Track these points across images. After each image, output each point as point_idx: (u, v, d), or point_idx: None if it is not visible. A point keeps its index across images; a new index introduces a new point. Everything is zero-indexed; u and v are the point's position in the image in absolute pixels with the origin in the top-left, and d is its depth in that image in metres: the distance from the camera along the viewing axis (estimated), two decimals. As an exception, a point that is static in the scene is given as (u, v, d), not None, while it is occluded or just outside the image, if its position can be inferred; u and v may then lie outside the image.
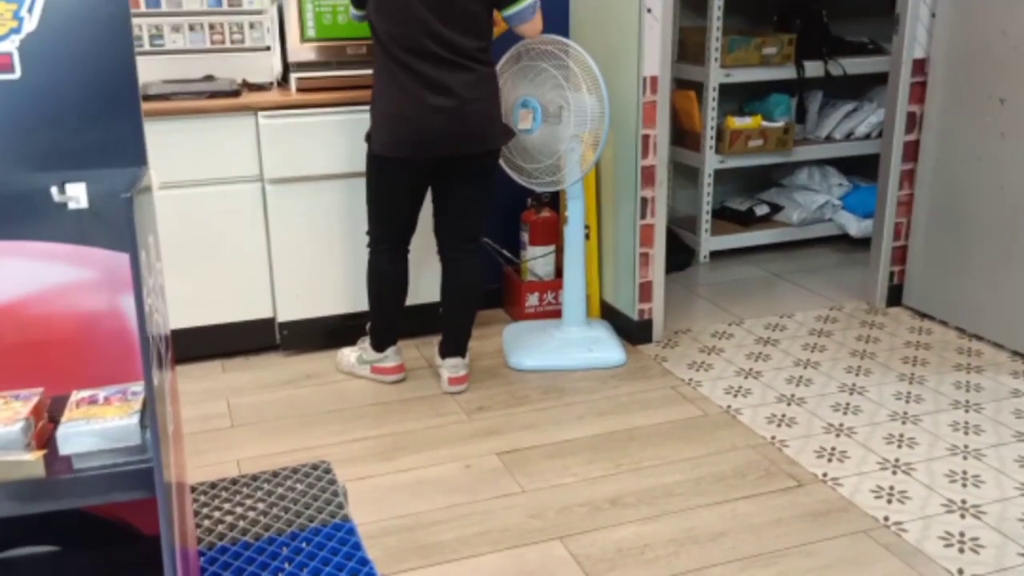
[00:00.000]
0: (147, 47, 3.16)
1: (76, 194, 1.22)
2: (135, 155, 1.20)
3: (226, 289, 3.20)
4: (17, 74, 1.17)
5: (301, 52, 3.17)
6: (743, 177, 4.51)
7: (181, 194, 3.07)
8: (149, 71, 3.12)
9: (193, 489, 1.47)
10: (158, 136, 2.91)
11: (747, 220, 4.32)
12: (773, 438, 2.69)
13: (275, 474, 1.53)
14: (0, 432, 1.08)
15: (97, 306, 1.22)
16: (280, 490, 1.51)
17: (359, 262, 3.19)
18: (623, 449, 2.64)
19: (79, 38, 1.17)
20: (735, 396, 2.96)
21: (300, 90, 3.17)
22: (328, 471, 1.50)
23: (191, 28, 3.19)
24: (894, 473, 2.49)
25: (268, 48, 3.26)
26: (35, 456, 1.02)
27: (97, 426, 1.08)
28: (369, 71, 2.92)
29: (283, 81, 3.30)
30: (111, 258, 1.21)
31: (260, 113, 3.05)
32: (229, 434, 2.81)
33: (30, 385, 1.21)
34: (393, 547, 2.14)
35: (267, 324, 3.30)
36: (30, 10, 1.16)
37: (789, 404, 2.90)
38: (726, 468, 2.54)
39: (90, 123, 1.18)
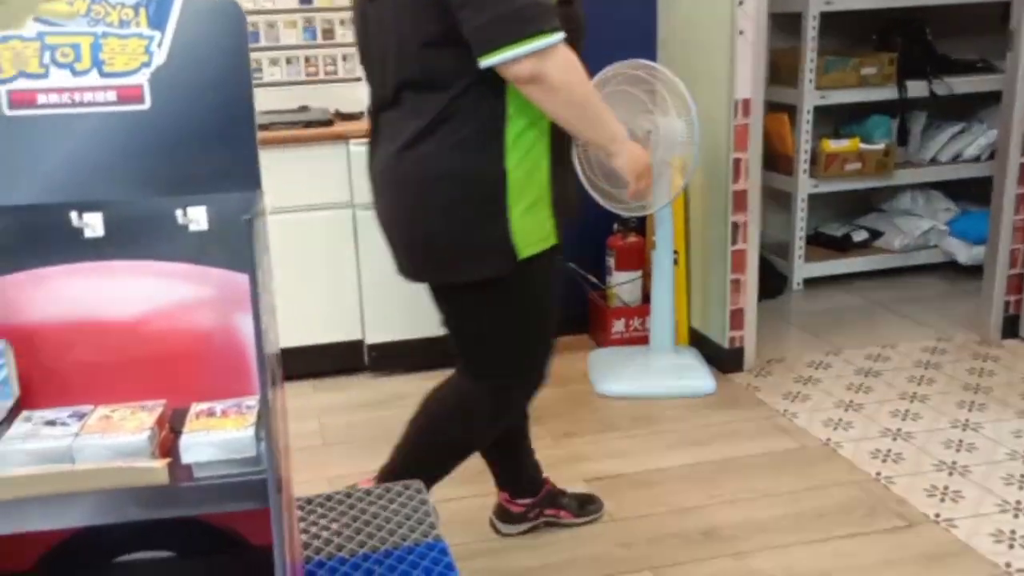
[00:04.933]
0: None
1: (197, 217, 1.32)
2: (250, 179, 1.30)
3: (317, 311, 3.33)
4: (147, 105, 1.28)
5: (392, 80, 3.30)
6: (839, 202, 4.46)
7: (276, 219, 3.23)
8: None
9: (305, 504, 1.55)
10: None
11: (844, 246, 4.27)
12: (878, 474, 2.64)
13: (368, 492, 1.61)
14: (130, 440, 1.17)
15: (213, 323, 1.31)
16: (373, 508, 1.58)
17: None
18: (716, 480, 2.64)
19: (203, 70, 1.28)
20: (835, 429, 2.93)
21: (391, 117, 3.29)
22: (420, 491, 1.56)
23: (288, 61, 3.36)
24: (1016, 516, 2.41)
25: (359, 79, 3.41)
26: (161, 464, 1.11)
27: (216, 437, 1.16)
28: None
29: (374, 109, 3.43)
30: (227, 277, 1.30)
31: (351, 141, 3.19)
32: (321, 452, 2.92)
33: (151, 396, 1.31)
34: (481, 570, 2.19)
35: (356, 346, 3.43)
36: (160, 45, 1.28)
37: (895, 439, 2.85)
38: (827, 504, 2.50)
39: (210, 150, 1.28)
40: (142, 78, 1.26)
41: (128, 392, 1.33)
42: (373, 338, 3.41)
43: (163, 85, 1.27)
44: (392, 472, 2.09)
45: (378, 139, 1.88)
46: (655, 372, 3.28)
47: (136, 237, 1.30)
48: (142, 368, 1.32)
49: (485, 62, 1.63)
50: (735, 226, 3.24)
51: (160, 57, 1.27)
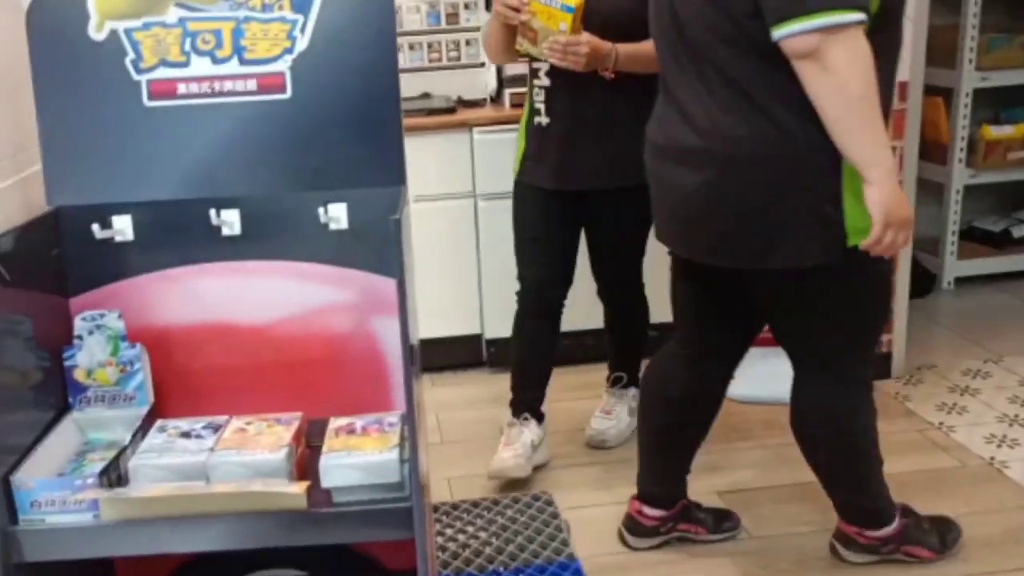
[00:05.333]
0: None
1: (337, 215, 1.24)
2: (395, 174, 1.21)
3: (436, 304, 3.26)
4: (288, 94, 1.20)
5: (515, 67, 3.19)
6: (998, 194, 4.12)
7: (398, 209, 3.15)
8: None
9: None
10: (379, 151, 3.01)
11: (1002, 242, 3.94)
12: (1052, 497, 2.39)
13: (495, 502, 1.51)
14: (267, 458, 1.10)
15: (352, 329, 1.23)
16: (501, 520, 1.48)
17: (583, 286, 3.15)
18: (865, 498, 2.43)
19: (348, 57, 1.19)
20: (999, 446, 2.68)
21: (514, 105, 3.19)
22: (550, 503, 1.47)
23: (411, 47, 3.29)
24: None
25: (483, 64, 3.32)
26: (300, 489, 1.03)
27: (359, 459, 1.08)
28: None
29: (497, 97, 3.34)
30: (369, 281, 1.22)
31: (475, 129, 3.09)
32: (439, 451, 2.84)
33: (286, 404, 1.24)
34: (610, 587, 2.06)
35: (475, 340, 3.34)
36: (303, 29, 1.20)
37: (1067, 458, 2.59)
38: (995, 531, 2.28)
39: (354, 142, 1.20)
40: (284, 65, 1.19)
41: (262, 400, 1.27)
42: (492, 332, 3.31)
43: (305, 73, 1.19)
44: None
45: (680, 113, 1.76)
46: (790, 376, 3.08)
47: (274, 236, 1.23)
48: (277, 375, 1.25)
49: (776, 33, 1.50)
50: (887, 221, 3.01)
51: (303, 43, 1.19)
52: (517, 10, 2.07)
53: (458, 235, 3.23)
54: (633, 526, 2.25)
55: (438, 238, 3.20)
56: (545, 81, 2.28)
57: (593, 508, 2.40)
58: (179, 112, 1.20)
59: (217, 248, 1.23)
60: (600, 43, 2.12)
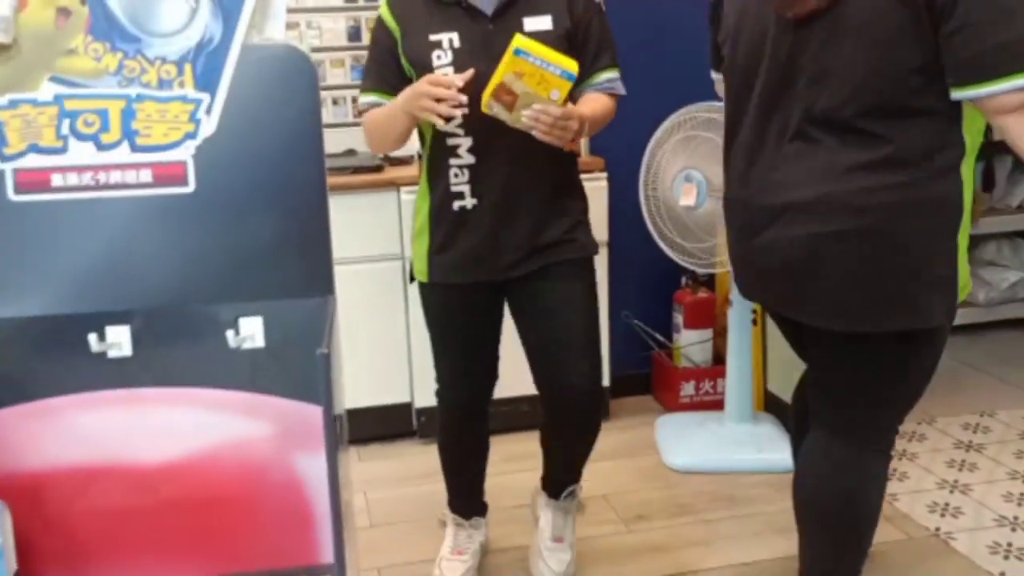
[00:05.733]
0: None
1: (251, 331, 1.00)
2: (320, 281, 0.97)
3: (363, 372, 3.01)
4: (191, 187, 0.96)
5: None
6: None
7: (321, 274, 2.91)
8: None
9: None
10: (300, 213, 2.77)
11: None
12: (1003, 574, 2.27)
13: None
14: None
15: (270, 466, 0.99)
16: None
17: (504, 346, 2.94)
18: (817, 580, 2.27)
19: (263, 142, 0.96)
20: (943, 515, 2.55)
21: (445, 163, 2.99)
22: None
23: (334, 102, 3.09)
24: None
25: (412, 119, 3.13)
26: None
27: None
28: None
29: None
30: (289, 409, 0.98)
31: (403, 188, 2.89)
32: (369, 536, 2.60)
33: (191, 561, 0.98)
34: None
35: (404, 409, 3.11)
36: (208, 110, 0.96)
37: (1015, 529, 2.47)
38: (954, 617, 2.13)
39: (271, 244, 0.96)
40: (185, 153, 0.95)
41: (163, 557, 1.01)
42: (423, 401, 3.09)
43: (212, 161, 0.95)
44: None
45: (778, 168, 1.66)
46: (732, 443, 2.93)
47: (173, 357, 0.98)
48: (180, 525, 1.00)
49: (970, 92, 1.50)
50: (822, 284, 2.89)
51: (209, 126, 0.96)
52: (457, 106, 1.71)
53: (385, 299, 3.00)
54: None
55: (364, 302, 2.97)
56: (468, 159, 1.89)
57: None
58: (54, 208, 0.94)
59: (103, 373, 0.98)
60: (583, 113, 1.80)
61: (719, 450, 2.92)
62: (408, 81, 1.87)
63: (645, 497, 2.72)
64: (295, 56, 0.96)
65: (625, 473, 2.84)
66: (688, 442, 2.97)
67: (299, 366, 0.88)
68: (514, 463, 2.80)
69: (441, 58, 1.83)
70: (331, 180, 2.85)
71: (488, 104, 1.68)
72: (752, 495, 2.71)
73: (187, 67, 0.95)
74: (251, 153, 0.96)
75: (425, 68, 1.84)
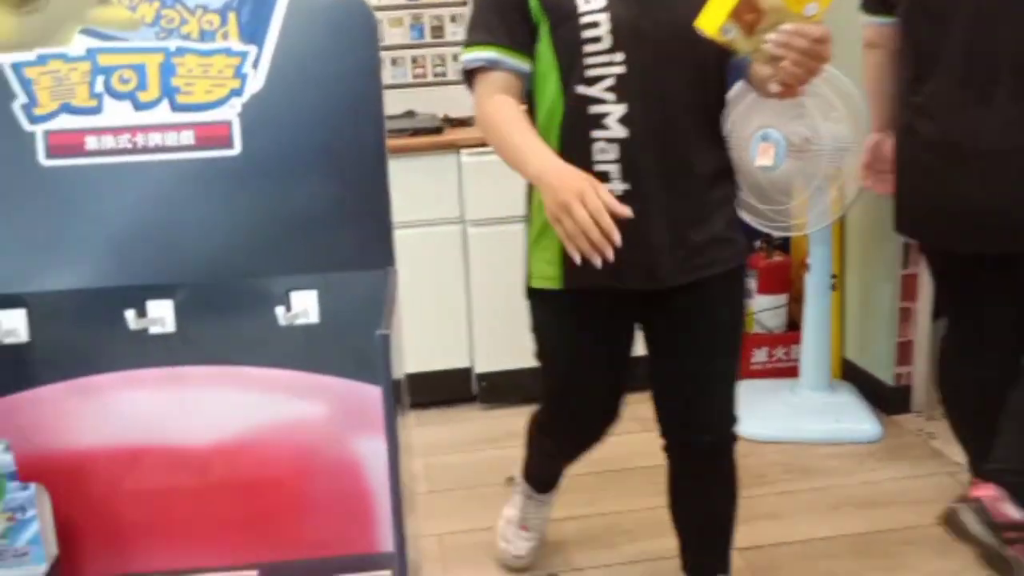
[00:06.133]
0: None
1: (304, 306, 0.91)
2: (380, 252, 0.88)
3: (423, 336, 2.95)
4: (236, 149, 0.87)
5: (513, 86, 2.90)
6: None
7: (380, 237, 2.84)
8: None
9: None
10: (359, 175, 2.70)
11: None
12: None
13: None
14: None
15: (324, 451, 0.90)
16: None
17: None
18: (899, 556, 2.14)
19: (316, 99, 0.86)
20: None
21: (507, 122, 2.88)
22: None
23: (393, 62, 3.00)
24: None
25: (472, 78, 3.03)
26: None
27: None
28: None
29: (486, 114, 3.05)
30: (346, 389, 0.90)
31: (463, 151, 2.80)
32: (427, 501, 2.55)
33: (237, 549, 0.91)
34: None
35: (464, 374, 3.05)
36: (255, 64, 0.86)
37: None
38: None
39: (325, 211, 0.87)
40: (230, 112, 0.86)
41: (207, 545, 0.94)
42: (483, 366, 3.02)
43: (259, 121, 0.85)
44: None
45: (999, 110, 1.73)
46: (807, 412, 2.80)
47: (219, 334, 0.90)
48: (226, 512, 0.93)
49: None
50: (907, 247, 2.73)
51: (256, 82, 0.86)
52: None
53: (445, 263, 2.93)
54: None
55: (423, 267, 2.89)
56: (619, 132, 1.44)
57: (591, 571, 2.11)
58: (88, 174, 0.86)
59: (145, 350, 0.90)
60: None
61: (794, 419, 2.79)
62: (533, 31, 1.45)
63: (716, 467, 2.61)
64: (353, 4, 0.85)
65: (695, 443, 2.72)
66: (761, 410, 2.84)
67: (356, 344, 0.79)
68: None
69: (590, 0, 1.41)
70: (390, 143, 2.79)
71: (723, 28, 1.27)
72: (829, 467, 2.58)
73: (231, 16, 0.85)
74: (303, 112, 0.86)
75: (565, 15, 1.41)
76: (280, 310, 0.85)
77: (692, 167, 1.48)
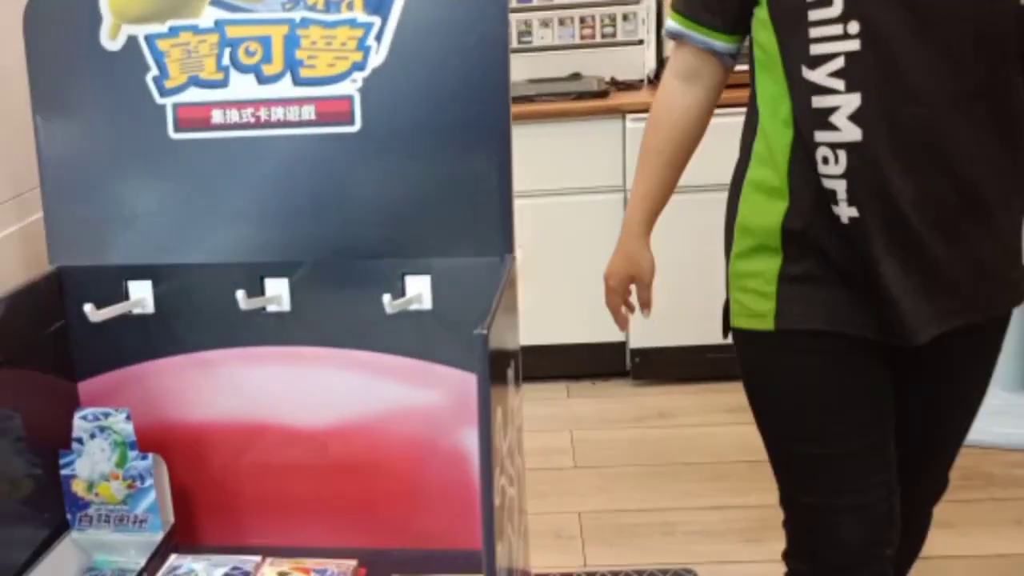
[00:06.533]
0: (515, 44, 2.97)
1: (418, 290, 0.87)
2: (498, 240, 0.82)
3: (578, 307, 2.89)
4: (357, 125, 0.83)
5: (686, 47, 2.76)
6: None
7: (538, 203, 2.79)
8: (516, 69, 2.92)
9: None
10: (519, 140, 2.65)
11: None
12: None
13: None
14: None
15: (434, 440, 0.86)
16: None
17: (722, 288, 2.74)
18: (1090, 593, 1.91)
19: (439, 76, 0.81)
20: None
21: (675, 89, 2.74)
22: None
23: (561, 23, 2.90)
24: None
25: (641, 42, 2.89)
26: None
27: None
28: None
29: (655, 78, 2.92)
30: (458, 379, 0.85)
31: (628, 116, 2.68)
32: (571, 477, 2.52)
33: (341, 532, 0.90)
34: None
35: (618, 348, 2.96)
36: (378, 37, 0.82)
37: None
38: None
39: (444, 194, 0.82)
40: (352, 87, 0.82)
41: (313, 526, 0.94)
42: (638, 342, 2.92)
43: (381, 97, 0.81)
44: None
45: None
46: (997, 414, 2.54)
47: (334, 316, 0.89)
48: (333, 495, 0.92)
49: None
50: None
51: (378, 56, 0.82)
52: None
53: (605, 232, 2.83)
54: None
55: (581, 235, 2.82)
56: (852, 134, 1.03)
57: (739, 565, 2.00)
58: (214, 148, 0.85)
59: (262, 328, 0.90)
60: None
61: (981, 419, 2.54)
62: (750, 8, 1.10)
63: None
64: (478, -27, 0.79)
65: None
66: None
67: (468, 333, 0.74)
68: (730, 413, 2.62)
69: None
70: (553, 106, 2.71)
71: None
72: (1016, 476, 2.33)
73: (355, -15, 0.82)
74: (424, 87, 0.81)
75: None
76: (393, 294, 0.81)
77: (963, 190, 1.04)
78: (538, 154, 2.73)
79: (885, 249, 1.05)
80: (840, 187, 1.05)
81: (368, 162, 0.83)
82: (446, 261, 0.85)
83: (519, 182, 2.79)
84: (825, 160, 1.06)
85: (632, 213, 1.25)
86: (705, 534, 2.21)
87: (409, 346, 0.87)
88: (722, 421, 2.65)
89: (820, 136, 1.05)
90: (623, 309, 1.39)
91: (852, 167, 1.04)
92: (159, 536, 0.91)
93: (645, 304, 1.36)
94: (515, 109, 2.86)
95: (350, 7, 0.81)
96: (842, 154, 1.04)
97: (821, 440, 1.21)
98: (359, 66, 0.82)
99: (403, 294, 0.86)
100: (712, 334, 2.89)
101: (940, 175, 1.03)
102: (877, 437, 1.21)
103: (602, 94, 2.72)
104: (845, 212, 1.05)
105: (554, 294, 2.85)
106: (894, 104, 1.01)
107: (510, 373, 0.73)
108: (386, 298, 0.79)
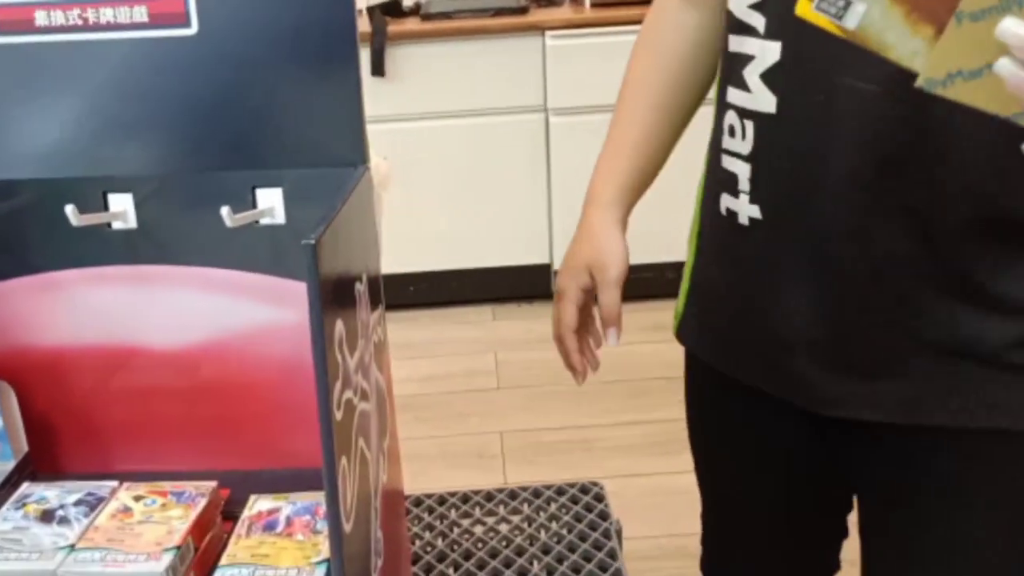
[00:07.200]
0: None
1: (269, 203, 0.83)
2: (350, 147, 0.78)
3: (500, 229, 2.86)
4: (193, 28, 0.78)
5: (606, -42, 2.67)
6: None
7: (456, 124, 2.73)
8: None
9: (443, 501, 1.17)
10: (435, 59, 2.58)
11: None
12: None
13: (537, 493, 1.17)
14: (140, 571, 0.74)
15: (291, 358, 0.84)
16: (541, 517, 1.11)
17: (648, 207, 2.73)
18: None
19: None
20: None
21: (595, 4, 2.66)
22: (600, 498, 1.13)
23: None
24: None
25: (563, -47, 2.80)
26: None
27: (264, 587, 0.70)
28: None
29: (577, -7, 2.84)
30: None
31: (548, 33, 2.62)
32: (494, 398, 2.55)
33: (201, 455, 0.87)
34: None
35: (542, 270, 2.96)
36: (210, -69, 0.76)
37: None
38: None
39: (292, 100, 0.77)
40: (185, -15, 0.78)
41: (172, 448, 0.91)
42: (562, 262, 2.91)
43: (216, -3, 0.78)
44: None
45: None
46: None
47: (183, 232, 0.85)
48: (191, 416, 0.90)
49: None
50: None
51: (210, -50, 0.78)
52: None
53: (526, 154, 2.79)
54: None
55: (502, 156, 2.77)
56: (764, 101, 0.73)
57: (648, 478, 2.06)
58: (39, 53, 0.79)
59: (110, 247, 0.85)
60: None
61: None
62: None
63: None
64: None
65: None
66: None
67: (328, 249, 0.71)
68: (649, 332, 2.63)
69: None
70: (471, 23, 2.63)
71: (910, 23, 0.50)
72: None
73: None
74: (264, -15, 0.77)
75: None
76: (228, 208, 0.77)
77: (936, 200, 0.69)
78: (457, 73, 2.65)
79: (792, 275, 0.75)
80: (743, 173, 0.76)
81: (209, 68, 0.78)
82: (298, 172, 0.81)
83: (438, 102, 2.70)
84: (732, 131, 0.76)
85: (601, 176, 0.89)
86: (621, 448, 2.25)
87: (265, 262, 0.84)
88: (643, 339, 2.67)
89: (731, 95, 0.76)
90: (574, 356, 0.96)
91: (760, 148, 0.74)
92: (11, 465, 0.88)
93: (607, 320, 0.90)
94: (432, 26, 2.77)
95: None
96: (750, 127, 0.74)
97: (708, 497, 0.99)
98: (193, -38, 0.77)
99: (255, 207, 0.82)
100: (635, 255, 2.89)
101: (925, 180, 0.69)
102: (787, 540, 0.93)
103: (521, 10, 2.64)
104: (745, 210, 0.76)
105: (474, 216, 2.81)
106: (830, 70, 0.68)
107: (359, 287, 0.70)
108: (224, 211, 0.75)
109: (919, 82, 0.51)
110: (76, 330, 0.87)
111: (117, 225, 0.84)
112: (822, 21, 0.52)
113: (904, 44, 0.50)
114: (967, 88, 0.50)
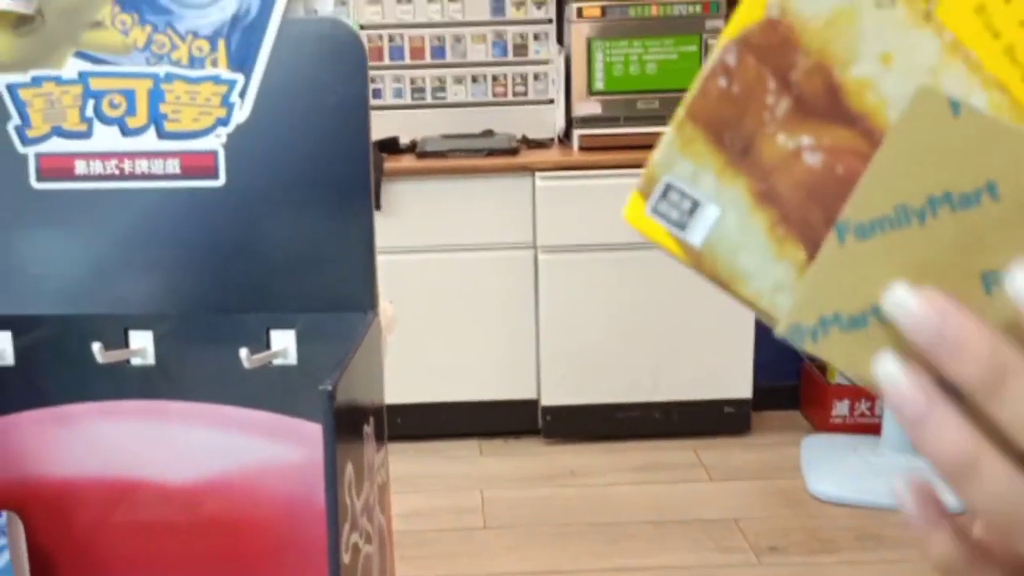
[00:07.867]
0: (429, 99, 3.03)
1: (283, 345, 0.87)
2: (362, 295, 0.83)
3: (488, 364, 2.91)
4: (221, 180, 0.85)
5: (586, 106, 2.84)
6: None
7: (447, 258, 2.82)
8: (430, 124, 2.98)
9: None
10: (429, 194, 2.70)
11: None
12: None
13: None
14: None
15: (300, 498, 0.86)
16: None
17: (636, 346, 2.80)
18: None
19: (302, 133, 0.83)
20: None
21: (583, 148, 2.82)
22: None
23: (474, 80, 2.98)
24: None
25: (551, 101, 2.99)
26: None
27: None
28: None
29: (565, 138, 3.01)
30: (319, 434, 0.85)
31: (538, 174, 2.75)
32: (481, 537, 2.52)
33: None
34: None
35: (530, 406, 2.98)
36: (242, 94, 0.83)
37: None
38: None
39: (309, 249, 0.83)
40: (215, 142, 0.84)
41: (177, 585, 0.93)
42: (549, 399, 2.94)
43: (244, 152, 0.84)
44: None
45: None
46: (887, 475, 2.61)
47: (199, 370, 0.89)
48: (201, 551, 0.92)
49: None
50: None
51: (242, 112, 0.84)
52: None
53: (515, 289, 2.87)
54: None
55: (492, 291, 2.85)
56: None
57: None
58: (77, 198, 0.85)
59: (126, 382, 0.89)
60: None
61: (871, 481, 2.61)
62: None
63: (781, 526, 2.46)
64: (341, 33, 0.82)
65: (761, 496, 2.59)
66: (837, 468, 2.67)
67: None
68: (643, 472, 2.64)
69: None
70: (465, 163, 2.77)
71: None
72: (904, 537, 2.40)
73: (220, 43, 0.83)
74: (287, 144, 0.83)
75: None
76: (247, 350, 0.81)
77: None
78: (450, 209, 2.76)
79: None
80: None
81: (232, 216, 0.84)
82: (311, 316, 0.86)
83: (431, 236, 2.80)
84: None
85: None
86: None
87: (276, 401, 0.87)
88: (630, 480, 2.68)
89: None
90: None
91: None
92: (7, 600, 0.88)
93: None
94: (428, 164, 2.92)
95: (214, 64, 0.83)
96: None
97: None
98: (223, 121, 0.84)
99: (268, 348, 0.86)
100: (622, 392, 2.96)
101: None
102: None
103: (512, 151, 2.78)
104: None
105: (463, 350, 2.86)
106: None
107: (367, 429, 0.74)
108: (243, 352, 0.79)
109: (780, 330, 0.34)
110: (85, 463, 0.89)
111: (136, 361, 0.88)
112: (658, 234, 0.36)
113: (765, 272, 0.35)
114: (842, 342, 0.33)
